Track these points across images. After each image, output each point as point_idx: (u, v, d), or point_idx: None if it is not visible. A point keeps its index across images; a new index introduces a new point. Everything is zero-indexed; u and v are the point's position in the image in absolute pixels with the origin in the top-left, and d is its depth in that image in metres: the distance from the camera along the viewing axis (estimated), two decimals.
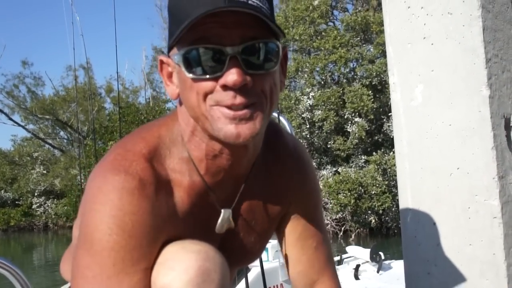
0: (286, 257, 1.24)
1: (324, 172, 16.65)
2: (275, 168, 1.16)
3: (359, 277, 5.49)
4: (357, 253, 6.01)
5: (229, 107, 0.90)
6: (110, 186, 0.93)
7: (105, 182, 0.94)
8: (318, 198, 1.27)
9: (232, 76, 0.88)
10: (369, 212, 15.94)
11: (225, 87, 0.89)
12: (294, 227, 1.21)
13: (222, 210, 1.07)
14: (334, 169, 16.82)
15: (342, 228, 16.76)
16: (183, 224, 1.01)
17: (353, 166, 16.64)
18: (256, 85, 0.91)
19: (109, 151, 1.01)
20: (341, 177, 15.62)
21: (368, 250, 5.73)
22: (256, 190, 1.12)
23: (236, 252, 1.14)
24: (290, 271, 1.24)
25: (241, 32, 0.89)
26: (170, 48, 0.96)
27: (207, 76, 0.90)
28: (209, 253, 0.95)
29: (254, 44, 0.90)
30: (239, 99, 0.90)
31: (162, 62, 1.01)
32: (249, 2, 0.87)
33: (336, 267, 6.01)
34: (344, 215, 16.31)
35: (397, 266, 5.62)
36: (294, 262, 1.23)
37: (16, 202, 27.79)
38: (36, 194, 27.29)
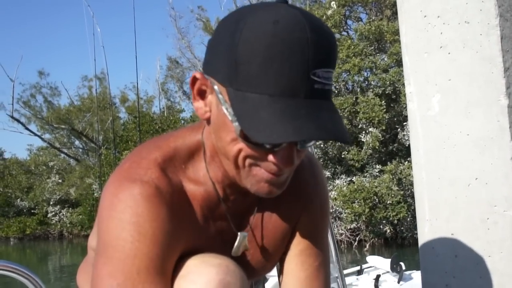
0: (281, 271, 1.17)
1: (338, 181, 16.54)
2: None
3: (380, 287, 5.42)
4: (378, 263, 5.92)
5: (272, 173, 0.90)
6: (127, 193, 0.92)
7: (122, 189, 0.93)
8: (327, 215, 1.22)
9: (288, 160, 0.88)
10: (384, 222, 15.79)
11: (274, 162, 0.89)
12: (299, 241, 1.15)
13: (239, 234, 1.07)
14: (349, 178, 16.71)
15: (357, 238, 16.63)
16: (197, 235, 1.00)
17: (367, 175, 16.52)
18: (299, 159, 0.92)
19: (124, 160, 1.00)
20: (355, 186, 15.51)
21: (388, 260, 5.64)
22: (269, 205, 1.11)
23: (247, 267, 1.11)
24: (283, 286, 1.16)
25: None
26: (211, 75, 0.89)
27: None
28: (230, 267, 0.94)
29: None
30: (282, 171, 0.90)
31: (195, 78, 0.93)
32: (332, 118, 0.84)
33: (356, 277, 5.89)
34: (358, 225, 16.17)
35: (418, 277, 5.52)
36: (290, 278, 1.15)
37: (32, 210, 28.06)
38: (51, 203, 27.53)
